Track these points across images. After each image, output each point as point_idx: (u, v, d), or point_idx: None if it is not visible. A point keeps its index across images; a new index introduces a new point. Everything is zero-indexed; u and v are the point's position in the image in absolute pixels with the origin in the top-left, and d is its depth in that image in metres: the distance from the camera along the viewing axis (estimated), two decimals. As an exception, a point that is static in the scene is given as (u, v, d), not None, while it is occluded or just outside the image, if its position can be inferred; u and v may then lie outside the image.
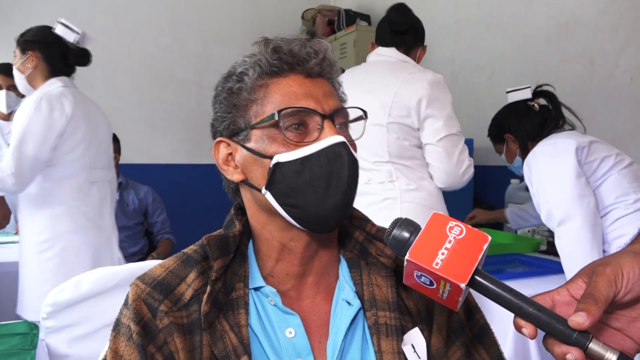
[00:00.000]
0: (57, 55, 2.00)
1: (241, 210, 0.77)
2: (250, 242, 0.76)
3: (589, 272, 0.54)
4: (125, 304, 0.69)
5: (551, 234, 1.80)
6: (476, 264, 0.53)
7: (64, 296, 1.01)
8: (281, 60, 0.70)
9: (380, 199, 1.82)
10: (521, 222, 2.27)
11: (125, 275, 1.02)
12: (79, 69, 2.10)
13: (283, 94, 0.69)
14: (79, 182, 1.99)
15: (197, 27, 3.91)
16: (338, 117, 0.70)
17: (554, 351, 0.51)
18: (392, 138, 1.82)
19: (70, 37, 2.00)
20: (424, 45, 2.04)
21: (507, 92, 1.92)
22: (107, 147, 2.16)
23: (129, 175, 3.00)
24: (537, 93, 1.88)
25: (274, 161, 0.67)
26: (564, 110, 1.87)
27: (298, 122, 0.68)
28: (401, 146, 1.83)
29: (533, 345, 1.55)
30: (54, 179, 1.93)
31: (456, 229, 0.55)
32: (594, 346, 0.49)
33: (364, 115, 0.75)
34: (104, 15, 3.56)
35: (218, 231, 0.74)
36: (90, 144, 2.01)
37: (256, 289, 0.72)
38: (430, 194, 1.86)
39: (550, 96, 1.87)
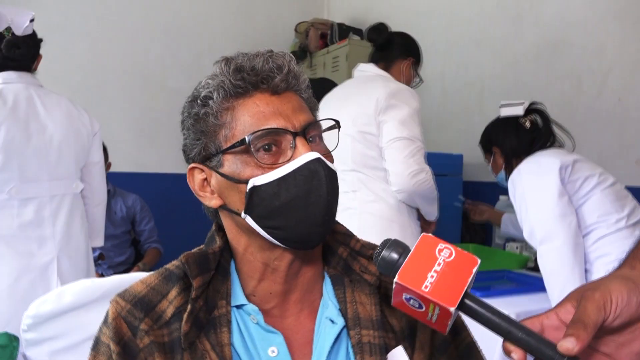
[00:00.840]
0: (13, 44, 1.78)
1: (222, 227, 0.76)
2: (232, 259, 0.75)
3: (578, 296, 0.53)
4: (105, 321, 0.67)
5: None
6: (465, 287, 0.53)
7: (45, 308, 0.98)
8: (244, 80, 0.68)
9: (342, 208, 1.84)
10: (510, 229, 2.25)
11: (108, 287, 1.00)
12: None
13: (251, 115, 0.67)
14: (0, 201, 1.70)
15: (189, 37, 3.91)
16: (310, 130, 0.69)
17: None
18: (357, 147, 1.93)
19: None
20: (407, 59, 2.12)
21: (500, 107, 1.93)
22: (69, 155, 1.88)
23: (117, 184, 2.97)
24: (530, 111, 1.89)
25: (249, 185, 0.66)
26: (555, 128, 1.89)
27: (269, 143, 0.66)
28: (365, 155, 1.93)
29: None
30: None
31: (445, 252, 0.55)
32: None
33: (337, 125, 0.74)
34: (95, 22, 3.54)
35: (198, 248, 0.73)
36: (23, 153, 1.73)
37: (238, 306, 0.71)
38: (390, 207, 1.93)
39: (542, 115, 1.88)
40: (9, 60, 1.81)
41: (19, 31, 1.79)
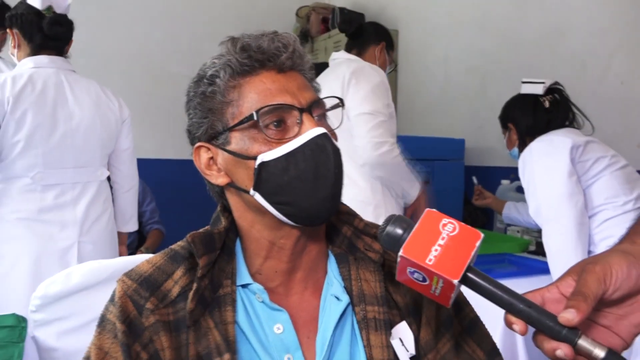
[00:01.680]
0: (34, 28, 1.77)
1: (227, 208, 0.77)
2: (238, 239, 0.76)
3: (579, 270, 0.54)
4: (112, 300, 0.68)
5: (540, 234, 1.82)
6: (469, 261, 0.54)
7: (54, 289, 1.00)
8: (251, 58, 0.69)
9: None
10: (513, 213, 2.26)
11: (116, 268, 1.01)
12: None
13: (258, 92, 0.68)
14: (23, 184, 1.73)
15: (190, 21, 3.89)
16: (315, 108, 0.70)
17: (543, 347, 0.52)
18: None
19: (35, 3, 1.76)
20: (379, 43, 2.22)
21: (522, 82, 1.95)
22: (95, 143, 1.88)
23: (119, 169, 2.97)
24: (550, 90, 1.89)
25: (258, 161, 0.67)
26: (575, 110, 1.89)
27: (277, 119, 0.67)
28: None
29: (521, 343, 1.56)
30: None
31: (449, 226, 0.56)
32: (583, 342, 0.50)
33: (341, 103, 0.75)
34: (95, 7, 3.52)
35: (204, 228, 0.73)
36: (49, 139, 1.74)
37: (244, 286, 0.72)
38: (362, 190, 2.01)
39: (562, 95, 1.87)
40: (50, 40, 1.80)
41: (60, 9, 1.80)
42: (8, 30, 1.80)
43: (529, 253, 2.24)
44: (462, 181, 2.86)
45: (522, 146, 1.87)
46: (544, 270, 1.87)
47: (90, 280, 1.01)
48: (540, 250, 2.16)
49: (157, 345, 0.65)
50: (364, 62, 2.11)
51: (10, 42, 1.83)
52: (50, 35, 1.80)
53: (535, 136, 1.81)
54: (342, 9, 3.77)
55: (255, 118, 0.66)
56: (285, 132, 0.68)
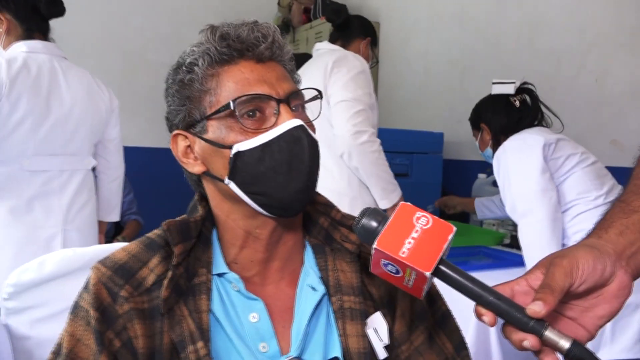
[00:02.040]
0: (28, 8, 1.74)
1: (204, 197, 0.77)
2: (215, 228, 0.76)
3: (547, 263, 0.56)
4: (85, 287, 0.68)
5: (515, 228, 1.86)
6: (441, 254, 0.55)
7: (26, 277, 0.98)
8: (230, 47, 0.69)
9: None
10: (486, 213, 2.33)
11: (90, 257, 1.00)
12: None
13: (236, 81, 0.68)
14: (11, 170, 1.70)
15: (170, 8, 3.82)
16: (294, 99, 0.70)
17: (511, 338, 0.53)
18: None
19: None
20: (365, 38, 2.22)
21: (493, 83, 1.97)
22: (84, 132, 1.86)
23: (96, 158, 2.93)
24: (520, 90, 1.92)
25: (233, 150, 0.67)
26: (544, 109, 1.92)
27: (254, 109, 0.67)
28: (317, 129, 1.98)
29: (493, 335, 1.60)
30: None
31: (423, 219, 0.57)
32: (549, 334, 0.51)
33: (319, 95, 0.75)
34: (72, -9, 3.44)
35: (180, 217, 0.73)
36: (41, 126, 1.72)
37: (220, 275, 0.72)
38: (336, 180, 1.98)
39: (531, 95, 1.91)
40: (44, 22, 1.79)
41: None
42: None
43: (504, 246, 2.29)
44: (440, 174, 2.89)
45: (496, 146, 1.90)
46: (518, 262, 1.91)
47: (64, 268, 0.99)
48: (514, 243, 2.21)
49: (131, 332, 0.65)
50: (347, 52, 2.10)
51: None
52: (47, 16, 1.78)
53: (509, 135, 1.84)
54: (324, 0, 3.76)
55: (232, 107, 0.66)
56: (261, 122, 0.68)
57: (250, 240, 0.72)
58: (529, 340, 0.51)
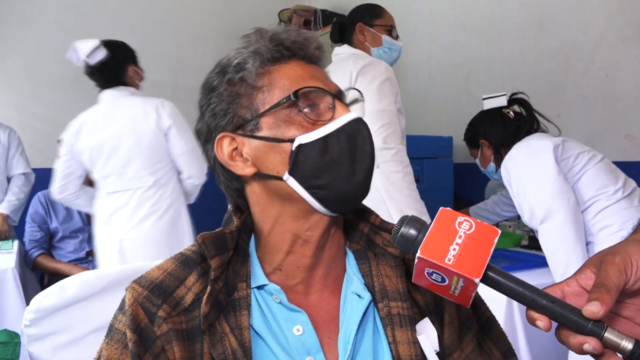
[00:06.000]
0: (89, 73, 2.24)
1: (239, 208, 0.75)
2: (252, 239, 0.73)
3: (597, 262, 0.54)
4: (121, 308, 0.65)
5: (532, 229, 1.82)
6: (488, 258, 0.52)
7: (48, 302, 0.95)
8: (282, 46, 0.70)
9: None
10: (482, 220, 2.30)
11: (112, 278, 0.98)
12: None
13: (289, 78, 0.69)
14: (100, 193, 2.20)
15: (170, 27, 3.84)
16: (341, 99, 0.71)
17: (569, 342, 0.51)
18: None
19: (75, 62, 2.18)
20: (355, 28, 2.10)
21: (483, 99, 1.95)
22: (136, 155, 2.15)
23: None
24: (512, 101, 1.91)
25: (295, 143, 0.65)
26: (538, 116, 1.91)
27: (312, 103, 0.67)
28: None
29: (521, 333, 1.58)
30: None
31: (465, 224, 0.55)
32: (609, 335, 0.48)
33: (361, 97, 0.75)
34: (72, 14, 3.45)
35: (215, 230, 0.71)
36: (99, 157, 2.14)
37: (259, 287, 0.69)
38: (377, 189, 1.84)
39: (524, 104, 1.90)
40: (102, 83, 2.28)
41: (91, 61, 2.21)
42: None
43: (522, 247, 2.26)
44: (451, 178, 2.87)
45: (498, 159, 1.89)
46: (539, 263, 1.88)
47: (86, 291, 0.97)
48: (532, 244, 2.18)
49: (170, 354, 0.62)
50: (372, 58, 2.02)
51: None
52: (95, 80, 2.27)
53: (510, 146, 1.83)
54: (323, 11, 3.77)
55: (293, 99, 0.66)
56: (319, 116, 0.68)
57: (297, 244, 0.70)
58: (590, 344, 0.49)
